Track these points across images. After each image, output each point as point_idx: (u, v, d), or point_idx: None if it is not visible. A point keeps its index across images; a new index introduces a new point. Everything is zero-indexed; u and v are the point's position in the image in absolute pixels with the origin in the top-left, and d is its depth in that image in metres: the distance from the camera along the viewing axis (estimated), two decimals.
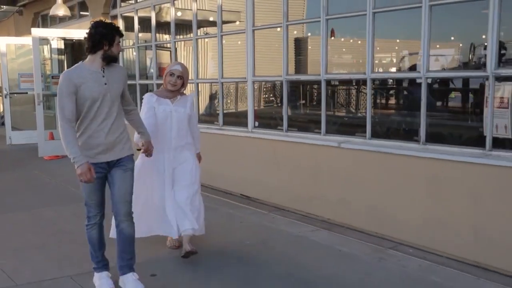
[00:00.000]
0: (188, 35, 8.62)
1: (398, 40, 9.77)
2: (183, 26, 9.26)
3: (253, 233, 4.93)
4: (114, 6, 9.16)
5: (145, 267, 3.95)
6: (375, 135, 5.05)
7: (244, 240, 4.72)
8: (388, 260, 4.22)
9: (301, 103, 8.57)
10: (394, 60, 9.85)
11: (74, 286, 3.74)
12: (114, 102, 3.42)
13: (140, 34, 8.76)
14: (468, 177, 4.12)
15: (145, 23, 8.62)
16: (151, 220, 4.21)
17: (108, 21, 3.55)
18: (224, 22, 6.73)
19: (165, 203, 4.18)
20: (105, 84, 3.36)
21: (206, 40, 10.53)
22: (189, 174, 4.23)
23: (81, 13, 10.69)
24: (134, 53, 9.00)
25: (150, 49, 8.48)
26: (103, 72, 3.38)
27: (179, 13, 8.02)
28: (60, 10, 8.47)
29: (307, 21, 6.08)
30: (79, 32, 9.09)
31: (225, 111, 7.09)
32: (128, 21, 8.95)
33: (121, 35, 3.45)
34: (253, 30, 6.12)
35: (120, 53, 3.36)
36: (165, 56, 8.46)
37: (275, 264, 4.14)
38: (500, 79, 4.07)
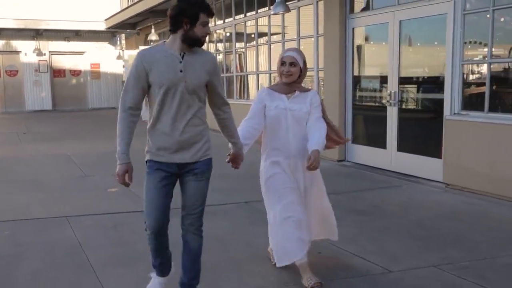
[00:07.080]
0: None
1: None
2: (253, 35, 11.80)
3: None
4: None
5: None
6: None
7: None
8: None
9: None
10: None
11: None
12: (192, 94, 2.89)
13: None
14: None
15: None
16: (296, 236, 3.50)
17: None
18: None
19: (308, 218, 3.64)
20: (181, 71, 2.83)
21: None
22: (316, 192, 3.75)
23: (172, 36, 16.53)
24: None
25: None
26: (182, 57, 2.85)
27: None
28: (153, 36, 14.78)
29: None
30: None
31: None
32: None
33: (210, 14, 2.84)
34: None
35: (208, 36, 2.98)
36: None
37: None
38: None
